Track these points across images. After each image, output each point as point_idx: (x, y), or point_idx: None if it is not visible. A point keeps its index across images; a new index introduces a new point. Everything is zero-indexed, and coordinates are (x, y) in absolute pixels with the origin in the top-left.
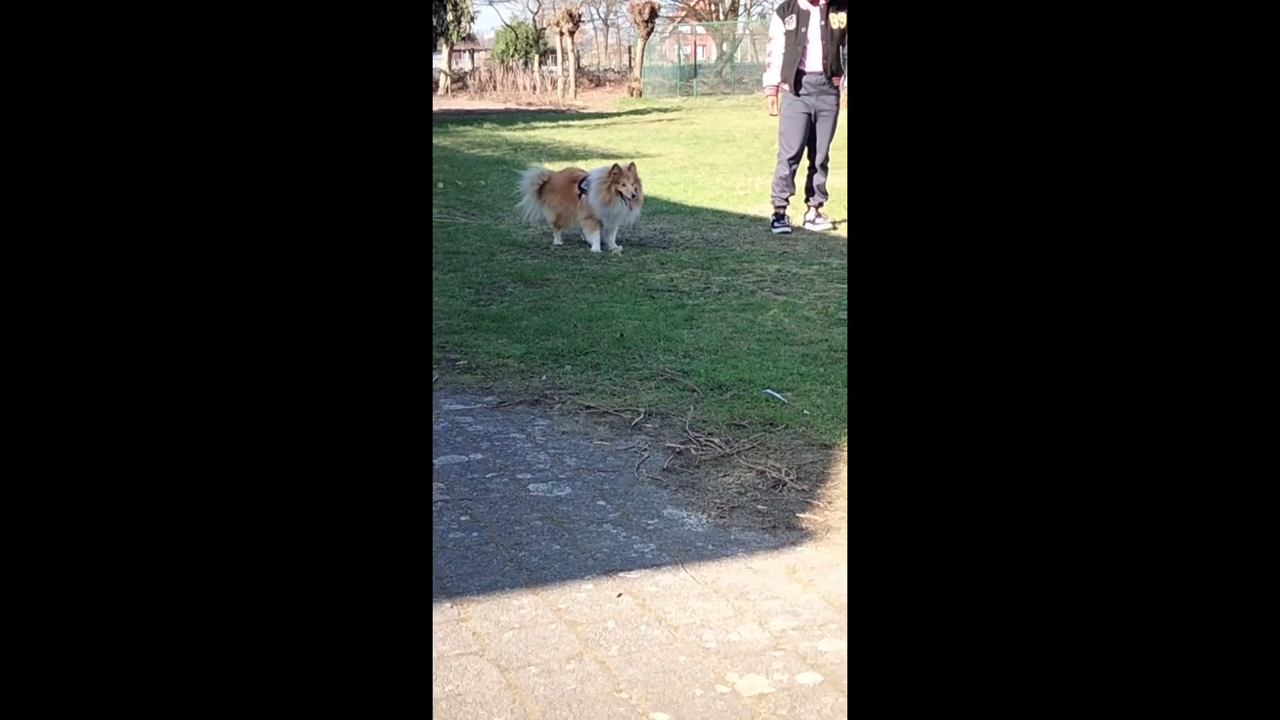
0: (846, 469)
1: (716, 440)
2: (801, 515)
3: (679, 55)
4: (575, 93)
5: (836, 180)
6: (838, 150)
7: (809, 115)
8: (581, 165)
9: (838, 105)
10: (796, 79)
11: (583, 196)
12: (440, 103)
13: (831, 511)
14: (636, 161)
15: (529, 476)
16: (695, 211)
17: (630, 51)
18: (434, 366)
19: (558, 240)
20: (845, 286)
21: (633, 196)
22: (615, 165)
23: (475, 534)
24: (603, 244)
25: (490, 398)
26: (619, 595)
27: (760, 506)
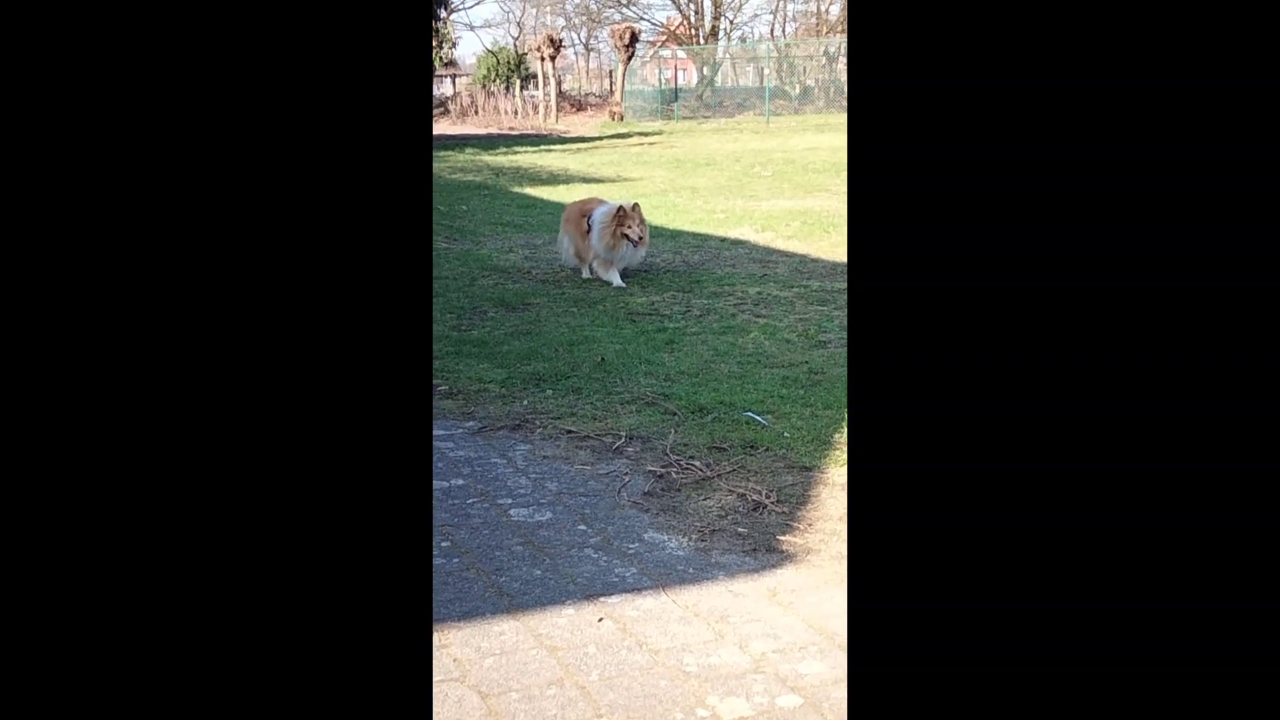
0: (846, 469)
1: (697, 463)
2: (782, 538)
3: (659, 79)
4: (557, 117)
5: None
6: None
7: None
8: (593, 194)
9: None
10: None
11: (590, 234)
12: None
13: (812, 534)
14: (614, 181)
15: (510, 501)
16: (676, 235)
17: (611, 76)
18: None
19: (585, 273)
20: (825, 309)
21: (639, 238)
22: (620, 207)
23: (456, 560)
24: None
25: (471, 423)
26: (600, 620)
27: (741, 529)
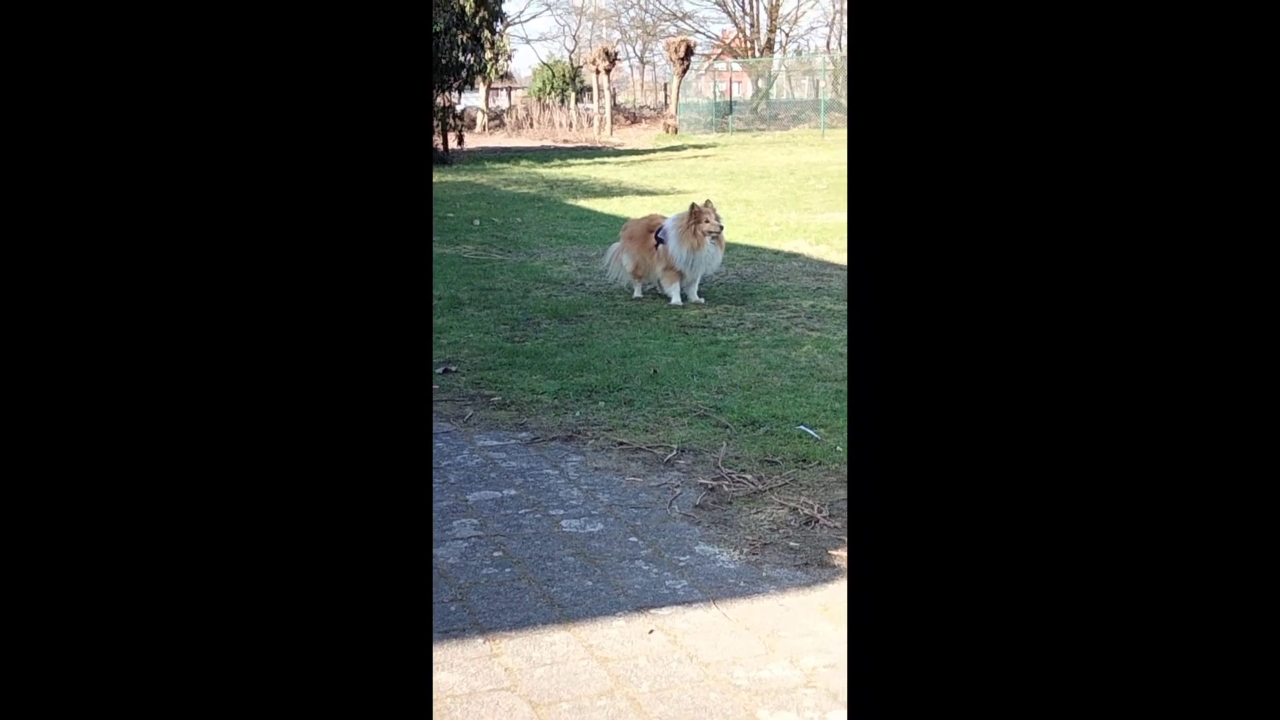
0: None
1: (749, 477)
2: (834, 552)
3: (714, 92)
4: (611, 130)
5: None
6: None
7: None
8: (646, 207)
9: None
10: None
11: (660, 247)
12: (477, 140)
13: None
14: (668, 194)
15: (562, 512)
16: (730, 247)
17: (666, 89)
18: (469, 403)
19: (637, 293)
20: None
21: (719, 230)
22: (693, 205)
23: (508, 570)
24: (684, 296)
25: (524, 433)
26: (650, 632)
27: (792, 543)
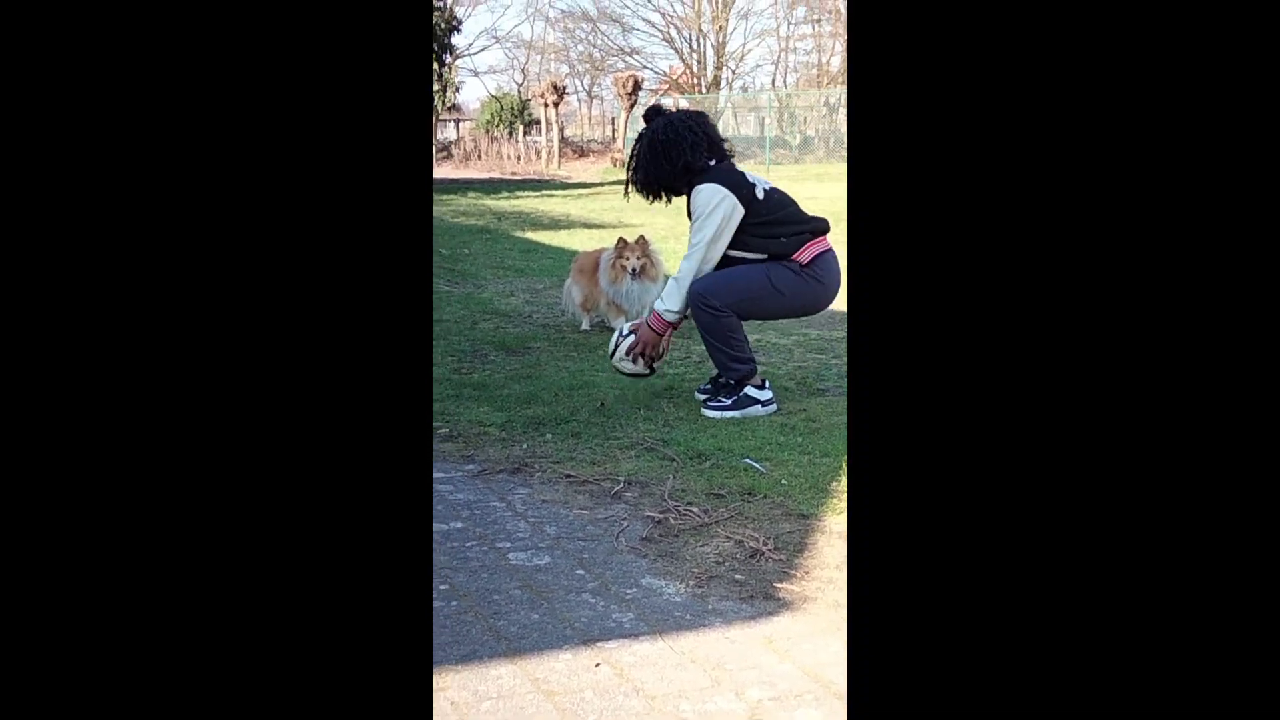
0: (846, 513)
1: (695, 509)
2: (779, 585)
3: None
4: (559, 163)
5: None
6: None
7: None
8: (595, 240)
9: None
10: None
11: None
12: None
13: (809, 581)
14: (615, 227)
15: (509, 545)
16: None
17: (614, 123)
18: None
19: (585, 325)
20: (823, 357)
21: (640, 270)
22: (620, 239)
23: (454, 603)
24: None
25: (471, 466)
26: (597, 665)
27: (738, 576)
